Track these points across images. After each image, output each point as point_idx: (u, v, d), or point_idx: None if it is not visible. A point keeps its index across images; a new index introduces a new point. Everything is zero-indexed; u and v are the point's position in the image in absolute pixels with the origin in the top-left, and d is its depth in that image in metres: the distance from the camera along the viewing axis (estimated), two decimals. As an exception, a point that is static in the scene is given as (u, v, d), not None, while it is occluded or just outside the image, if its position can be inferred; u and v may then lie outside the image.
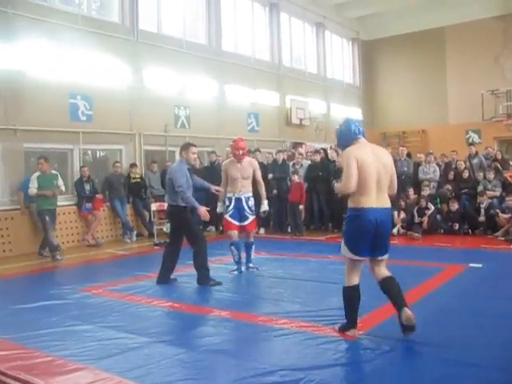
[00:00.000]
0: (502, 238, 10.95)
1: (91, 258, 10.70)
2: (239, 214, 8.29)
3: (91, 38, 12.66)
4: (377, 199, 4.90)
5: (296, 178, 12.75)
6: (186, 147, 7.80)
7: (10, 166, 11.24)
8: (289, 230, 13.21)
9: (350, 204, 5.00)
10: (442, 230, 12.14)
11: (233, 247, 8.39)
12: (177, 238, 7.86)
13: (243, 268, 8.50)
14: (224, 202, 8.41)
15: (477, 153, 14.68)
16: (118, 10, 13.95)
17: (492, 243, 10.61)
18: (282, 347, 4.88)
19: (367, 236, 4.92)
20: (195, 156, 7.95)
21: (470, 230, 11.92)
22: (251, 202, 8.36)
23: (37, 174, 10.42)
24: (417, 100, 22.80)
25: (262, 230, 13.42)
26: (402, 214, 12.38)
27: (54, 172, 10.84)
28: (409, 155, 15.02)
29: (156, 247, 11.71)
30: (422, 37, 22.47)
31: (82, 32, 12.50)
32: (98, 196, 12.50)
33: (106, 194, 12.82)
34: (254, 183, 8.56)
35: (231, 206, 8.27)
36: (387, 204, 4.99)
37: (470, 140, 20.65)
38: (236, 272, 8.39)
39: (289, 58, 20.45)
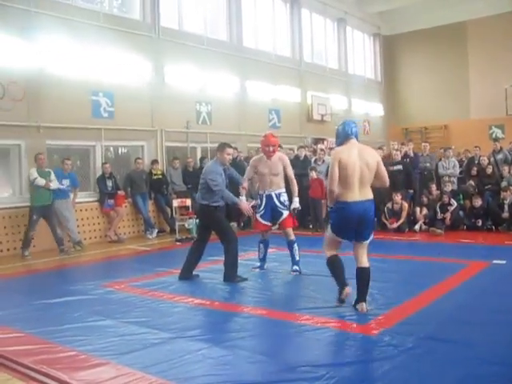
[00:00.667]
0: (527, 235, 10.84)
1: (113, 254, 10.78)
2: (271, 213, 8.04)
3: (113, 35, 12.74)
4: (359, 193, 5.68)
5: (314, 174, 12.70)
6: (221, 148, 7.78)
7: (33, 163, 11.32)
8: (310, 226, 13.16)
9: (338, 198, 5.74)
10: (465, 227, 12.03)
11: (261, 245, 8.31)
12: (205, 235, 7.90)
13: (265, 266, 8.43)
14: (248, 198, 8.44)
15: (501, 148, 14.53)
16: (140, 7, 13.99)
17: (516, 240, 10.51)
18: (304, 343, 4.87)
19: (351, 225, 5.73)
20: (230, 157, 7.99)
21: (493, 227, 11.79)
22: (283, 198, 8.07)
23: (35, 168, 10.64)
24: (438, 95, 22.61)
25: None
26: (425, 210, 12.28)
27: (47, 169, 10.89)
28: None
29: (178, 243, 11.77)
30: (443, 31, 22.27)
31: (104, 29, 12.58)
32: (119, 192, 12.59)
33: (127, 190, 12.89)
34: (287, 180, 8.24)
35: (262, 205, 8.06)
36: (369, 196, 5.75)
37: (494, 135, 20.44)
38: (258, 269, 8.29)
39: (310, 54, 20.38)
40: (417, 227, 12.08)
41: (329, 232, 5.99)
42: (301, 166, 13.41)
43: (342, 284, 5.91)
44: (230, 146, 7.97)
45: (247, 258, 9.06)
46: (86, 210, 12.16)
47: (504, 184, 12.47)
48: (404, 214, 12.04)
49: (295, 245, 8.17)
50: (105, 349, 4.81)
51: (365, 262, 5.83)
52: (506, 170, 12.97)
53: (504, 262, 8.21)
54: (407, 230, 12.04)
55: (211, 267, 8.38)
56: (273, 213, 8.04)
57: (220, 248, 7.70)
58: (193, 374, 4.16)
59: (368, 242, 5.89)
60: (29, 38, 11.19)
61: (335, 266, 5.95)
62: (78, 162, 12.71)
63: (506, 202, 11.70)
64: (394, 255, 9.14)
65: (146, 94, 13.67)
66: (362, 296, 5.78)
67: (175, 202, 13.07)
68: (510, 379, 3.92)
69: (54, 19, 11.65)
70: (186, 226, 12.79)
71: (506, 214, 11.61)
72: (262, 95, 17.40)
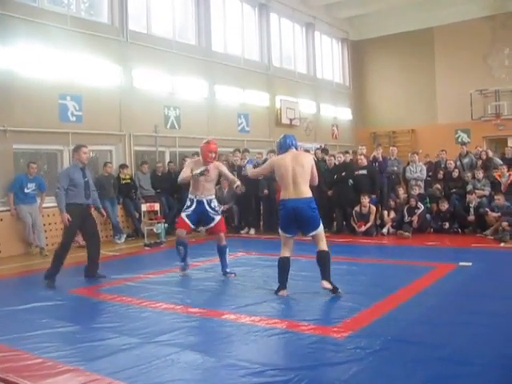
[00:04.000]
0: (491, 237, 11.00)
1: (81, 259, 10.62)
2: (198, 217, 8.25)
3: (80, 38, 12.61)
4: (294, 192, 6.59)
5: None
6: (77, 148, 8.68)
7: (-1, 167, 11.19)
8: (279, 230, 13.16)
9: (280, 198, 6.79)
10: (432, 229, 12.19)
11: (180, 247, 8.36)
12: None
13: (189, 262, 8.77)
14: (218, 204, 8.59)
15: (467, 152, 14.77)
16: (108, 11, 13.88)
17: (481, 242, 10.68)
18: (273, 347, 4.89)
19: (290, 220, 6.67)
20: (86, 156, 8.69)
21: (459, 229, 11.97)
22: (214, 203, 8.26)
23: None
24: (406, 100, 22.89)
25: (252, 231, 13.43)
26: (392, 214, 12.42)
27: None
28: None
29: (146, 248, 11.70)
30: (411, 37, 22.56)
31: (72, 32, 12.45)
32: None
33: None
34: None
35: (191, 208, 8.17)
36: (304, 195, 6.60)
37: (460, 139, 20.79)
38: (184, 272, 8.52)
39: (278, 58, 20.44)
40: (385, 230, 12.21)
41: (280, 231, 6.87)
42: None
43: (282, 284, 6.77)
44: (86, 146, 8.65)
45: (214, 263, 9.04)
46: (54, 214, 11.96)
47: (469, 187, 12.67)
48: (372, 217, 12.16)
49: (227, 249, 8.40)
50: (72, 355, 4.75)
51: (322, 246, 6.72)
52: (469, 175, 13.18)
53: (470, 263, 8.34)
54: (375, 233, 12.16)
55: (178, 272, 8.36)
56: (201, 218, 8.28)
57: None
58: (162, 380, 4.14)
59: (316, 232, 6.69)
60: (-6, 40, 11.04)
61: (282, 267, 6.78)
62: (45, 167, 12.53)
63: (472, 205, 11.89)
64: (363, 258, 9.23)
65: (115, 97, 13.57)
66: (323, 275, 6.61)
67: (144, 207, 13.00)
68: (480, 379, 3.97)
69: (20, 22, 11.49)
70: (155, 230, 12.74)
71: (471, 217, 11.80)
72: (231, 99, 17.40)
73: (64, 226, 8.21)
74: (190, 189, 8.25)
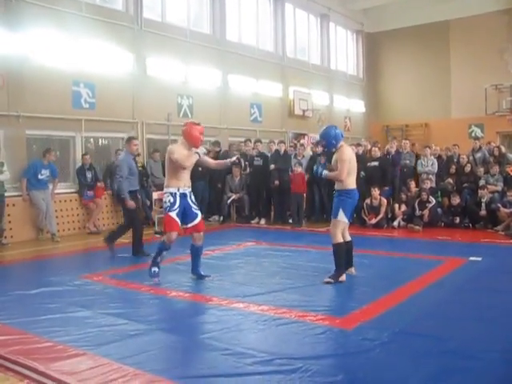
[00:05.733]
0: (503, 233, 10.95)
1: (92, 246, 10.72)
2: (185, 214, 7.04)
3: (95, 25, 12.63)
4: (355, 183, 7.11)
5: (299, 169, 12.79)
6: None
7: (12, 153, 11.23)
8: (290, 220, 13.20)
9: (346, 186, 6.94)
10: (443, 224, 12.13)
11: (165, 252, 7.17)
12: None
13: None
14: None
15: (480, 147, 14.68)
16: (122, -2, 13.91)
17: (492, 237, 10.63)
18: (281, 336, 4.91)
19: (353, 207, 7.25)
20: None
21: (470, 224, 11.92)
22: (193, 197, 7.24)
23: None
24: (420, 93, 22.76)
25: (262, 221, 13.46)
26: (403, 207, 12.38)
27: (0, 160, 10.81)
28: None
29: (157, 235, 11.73)
30: (426, 30, 22.40)
31: (86, 19, 12.47)
32: (99, 184, 12.54)
33: (107, 182, 12.83)
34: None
35: (177, 204, 6.92)
36: None
37: (473, 134, 20.65)
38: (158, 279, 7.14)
39: (293, 49, 20.39)
40: (395, 223, 12.17)
41: (342, 218, 6.93)
42: (281, 161, 13.46)
43: (343, 268, 7.01)
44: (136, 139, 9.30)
45: (227, 251, 9.09)
46: (66, 201, 12.09)
47: (482, 182, 12.61)
48: (383, 209, 12.13)
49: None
50: (82, 340, 4.80)
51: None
52: (481, 170, 13.13)
53: (480, 259, 8.32)
54: (386, 226, 12.14)
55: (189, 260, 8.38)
56: (185, 214, 7.06)
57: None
58: (169, 366, 4.18)
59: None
60: (10, 26, 11.06)
61: (344, 251, 7.00)
62: (57, 153, 12.58)
63: (484, 200, 11.83)
64: (372, 251, 9.21)
65: (128, 85, 13.60)
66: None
67: (155, 195, 13.03)
68: (485, 373, 3.97)
69: (35, 8, 11.53)
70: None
71: (483, 212, 11.74)
72: (244, 89, 17.39)
73: (127, 211, 8.98)
74: (170, 180, 7.01)
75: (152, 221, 13.02)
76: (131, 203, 8.77)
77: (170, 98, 14.79)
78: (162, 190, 12.86)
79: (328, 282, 6.81)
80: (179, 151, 6.99)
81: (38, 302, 6.15)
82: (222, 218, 13.72)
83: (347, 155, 6.93)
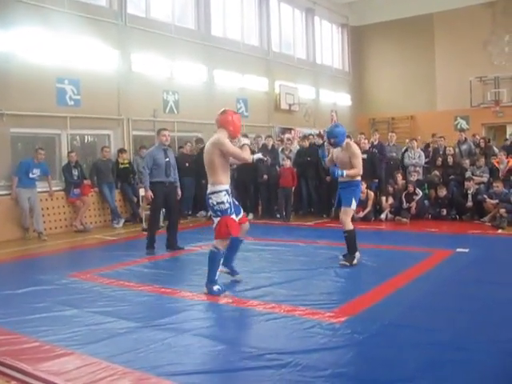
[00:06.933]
0: (489, 224, 11.02)
1: (79, 244, 10.67)
2: None
3: (79, 21, 12.51)
4: None
5: (288, 163, 12.79)
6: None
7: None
8: (277, 215, 13.19)
9: (355, 178, 7.60)
10: (430, 216, 12.20)
11: (222, 259, 6.42)
12: None
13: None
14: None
15: (466, 139, 14.76)
16: (106, -6, 13.80)
17: (479, 228, 10.70)
18: (270, 331, 4.90)
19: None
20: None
21: (457, 216, 11.97)
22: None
23: None
24: (406, 86, 22.83)
25: (250, 216, 13.43)
26: (391, 200, 12.42)
27: None
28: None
29: (144, 232, 11.68)
30: (411, 23, 22.47)
31: (69, 15, 12.35)
32: (85, 181, 12.47)
33: (94, 179, 12.76)
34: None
35: (230, 203, 6.19)
36: None
37: (459, 126, 20.78)
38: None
39: (278, 44, 20.35)
40: (383, 216, 12.22)
41: (354, 206, 7.63)
42: (268, 155, 13.43)
43: (356, 249, 7.59)
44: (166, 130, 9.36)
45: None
46: (52, 199, 12.00)
47: (468, 174, 12.67)
48: (370, 202, 12.16)
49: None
50: (70, 339, 4.77)
51: None
52: (467, 162, 13.22)
53: (467, 250, 8.36)
54: (373, 218, 12.17)
55: (179, 256, 8.38)
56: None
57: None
58: (158, 363, 4.15)
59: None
60: (-8, 23, 10.97)
61: (355, 236, 7.58)
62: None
63: (470, 191, 11.90)
64: (360, 244, 9.21)
65: (113, 82, 13.51)
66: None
67: (142, 192, 12.94)
68: (475, 364, 3.98)
69: (18, 5, 11.39)
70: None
71: (469, 204, 11.81)
72: (230, 84, 17.34)
73: (151, 202, 9.29)
74: (221, 176, 6.19)
75: (139, 217, 12.96)
76: (148, 194, 9.00)
77: (156, 94, 14.72)
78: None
79: (343, 265, 7.44)
80: (229, 143, 6.25)
81: (26, 302, 6.10)
82: (209, 214, 13.66)
83: (359, 150, 7.77)
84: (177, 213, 9.67)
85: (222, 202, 6.09)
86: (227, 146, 6.13)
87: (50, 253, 9.80)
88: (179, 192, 9.53)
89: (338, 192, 8.06)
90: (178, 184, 9.53)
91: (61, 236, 11.51)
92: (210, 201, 6.15)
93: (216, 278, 6.22)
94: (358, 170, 7.46)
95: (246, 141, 6.57)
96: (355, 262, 7.49)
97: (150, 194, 8.98)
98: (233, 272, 6.88)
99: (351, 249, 7.58)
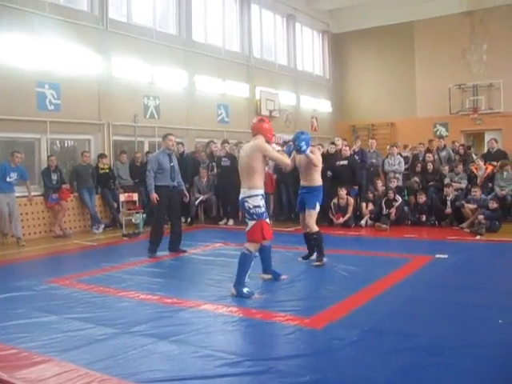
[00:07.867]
0: (468, 230, 11.12)
1: (58, 249, 10.58)
2: None
3: (59, 25, 12.44)
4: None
5: (266, 168, 12.76)
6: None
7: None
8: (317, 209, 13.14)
9: (317, 182, 8.06)
10: (410, 222, 12.29)
11: (252, 262, 6.48)
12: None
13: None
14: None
15: (445, 146, 14.90)
16: (87, -2, 13.75)
17: (458, 234, 10.80)
18: (250, 337, 4.90)
19: None
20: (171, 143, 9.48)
21: (436, 222, 12.08)
22: None
23: None
24: (386, 93, 22.97)
25: (230, 222, 13.43)
26: (370, 206, 12.49)
27: None
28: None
29: (124, 238, 11.64)
30: (391, 31, 22.62)
31: (50, 20, 12.28)
32: (64, 186, 12.34)
33: (73, 184, 12.67)
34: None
35: (265, 207, 6.49)
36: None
37: (438, 133, 20.98)
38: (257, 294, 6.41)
39: (259, 50, 20.39)
40: (363, 222, 12.27)
41: (317, 209, 7.90)
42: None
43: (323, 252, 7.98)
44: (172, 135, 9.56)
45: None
46: (31, 204, 11.89)
47: (447, 181, 12.80)
48: (350, 209, 12.22)
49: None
50: (48, 345, 4.72)
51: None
52: (446, 168, 13.35)
53: (446, 256, 8.43)
54: (353, 225, 12.22)
55: (162, 261, 8.34)
56: None
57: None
58: (138, 370, 4.13)
59: None
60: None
61: (322, 239, 8.00)
62: (22, 155, 12.39)
63: (449, 198, 12.00)
64: (340, 250, 9.26)
65: (94, 86, 13.44)
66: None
67: (122, 197, 12.91)
68: (455, 369, 4.01)
69: (-2, 8, 11.33)
70: (133, 220, 12.68)
71: (448, 210, 11.91)
72: (211, 90, 17.33)
73: (155, 205, 9.32)
74: (258, 181, 6.41)
75: (119, 223, 12.90)
76: (153, 196, 9.09)
77: (137, 99, 14.67)
78: (129, 191, 12.93)
79: (317, 266, 7.84)
80: (271, 148, 6.51)
81: (3, 308, 6.03)
82: (189, 219, 13.66)
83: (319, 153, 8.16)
84: (180, 216, 9.94)
85: (259, 206, 6.33)
86: (270, 151, 6.47)
87: (29, 258, 9.70)
88: (187, 195, 10.09)
89: (299, 196, 8.23)
90: (184, 188, 9.92)
91: (40, 241, 11.40)
92: (246, 204, 6.37)
93: (244, 280, 6.32)
94: (316, 161, 7.80)
95: (278, 147, 7.17)
96: (324, 261, 7.94)
97: (155, 196, 9.09)
98: (276, 275, 7.07)
99: (321, 249, 7.96)
